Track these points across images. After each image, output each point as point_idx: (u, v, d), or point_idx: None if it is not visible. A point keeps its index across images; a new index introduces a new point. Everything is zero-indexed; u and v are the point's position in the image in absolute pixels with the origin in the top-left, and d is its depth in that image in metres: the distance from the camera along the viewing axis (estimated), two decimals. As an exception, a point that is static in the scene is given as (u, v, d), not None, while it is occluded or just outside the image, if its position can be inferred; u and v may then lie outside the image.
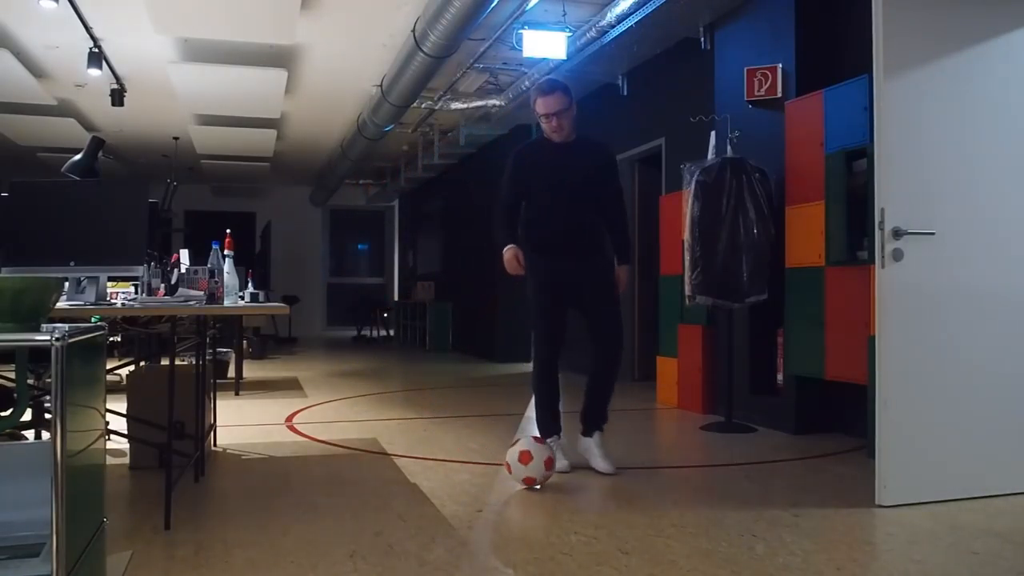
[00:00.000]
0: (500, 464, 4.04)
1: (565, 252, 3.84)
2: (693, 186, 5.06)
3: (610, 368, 3.93)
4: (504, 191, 3.95)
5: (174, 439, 3.10)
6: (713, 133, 5.36)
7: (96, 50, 6.46)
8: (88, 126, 9.51)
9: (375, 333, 14.53)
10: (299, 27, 6.21)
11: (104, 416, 2.43)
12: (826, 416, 4.88)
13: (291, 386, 7.40)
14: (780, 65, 5.15)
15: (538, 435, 3.78)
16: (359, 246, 17.05)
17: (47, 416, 2.79)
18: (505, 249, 3.85)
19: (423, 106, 8.28)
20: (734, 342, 5.27)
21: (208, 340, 4.41)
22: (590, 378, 3.96)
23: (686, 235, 5.12)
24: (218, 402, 4.74)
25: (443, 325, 12.07)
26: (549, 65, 6.81)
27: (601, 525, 2.98)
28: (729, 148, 5.23)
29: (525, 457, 3.49)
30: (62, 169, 3.84)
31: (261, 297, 4.06)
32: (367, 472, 3.91)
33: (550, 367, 3.90)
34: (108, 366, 2.70)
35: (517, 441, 3.60)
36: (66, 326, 1.76)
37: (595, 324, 3.91)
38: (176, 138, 10.34)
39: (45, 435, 3.49)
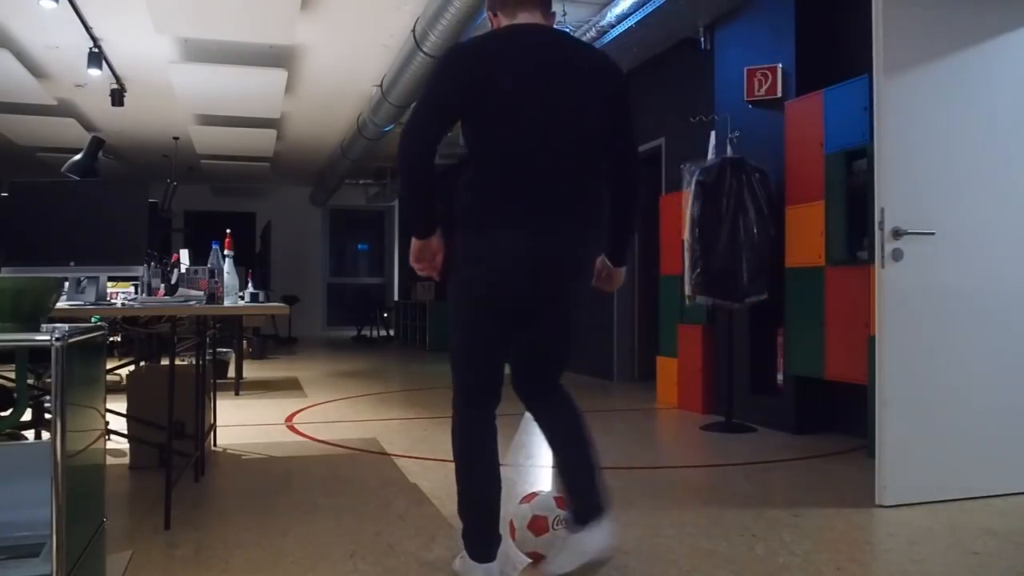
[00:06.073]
0: (499, 464, 4.05)
1: (548, 225, 2.22)
2: (693, 186, 5.06)
3: (578, 415, 2.43)
4: (427, 112, 2.20)
5: (174, 439, 3.10)
6: (713, 133, 5.36)
7: (96, 50, 6.46)
8: (88, 126, 9.51)
9: (375, 333, 14.52)
10: (299, 27, 6.22)
11: (104, 416, 2.43)
12: (826, 416, 4.88)
13: (291, 386, 7.40)
14: (780, 65, 5.15)
15: (557, 495, 2.48)
16: (359, 246, 17.05)
17: (47, 416, 2.79)
18: (423, 235, 2.26)
19: (423, 106, 8.28)
20: (734, 342, 5.26)
21: (208, 340, 4.41)
22: (563, 444, 2.42)
23: (686, 235, 5.12)
24: (218, 402, 4.74)
25: (443, 325, 12.06)
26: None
27: (601, 525, 2.97)
28: (729, 148, 5.24)
29: (539, 526, 2.46)
30: (62, 169, 3.84)
31: (261, 297, 4.06)
32: (367, 472, 3.91)
33: (488, 427, 2.34)
34: (108, 366, 2.70)
35: (532, 496, 2.54)
36: (66, 326, 1.76)
37: (541, 343, 2.40)
38: (176, 138, 10.35)
39: (45, 435, 3.49)
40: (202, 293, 3.27)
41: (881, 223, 3.18)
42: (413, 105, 2.20)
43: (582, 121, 2.25)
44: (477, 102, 2.19)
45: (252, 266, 8.47)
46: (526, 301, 2.31)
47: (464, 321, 2.32)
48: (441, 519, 3.05)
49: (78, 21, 6.04)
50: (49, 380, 1.75)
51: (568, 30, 6.06)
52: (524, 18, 2.33)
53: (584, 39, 6.04)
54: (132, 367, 4.54)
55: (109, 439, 3.84)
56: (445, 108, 2.21)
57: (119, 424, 3.94)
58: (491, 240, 2.21)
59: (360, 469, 3.99)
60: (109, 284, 3.43)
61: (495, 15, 2.39)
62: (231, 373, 7.40)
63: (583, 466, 2.36)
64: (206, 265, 3.27)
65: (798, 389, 4.88)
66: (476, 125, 2.22)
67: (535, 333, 2.37)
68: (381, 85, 7.50)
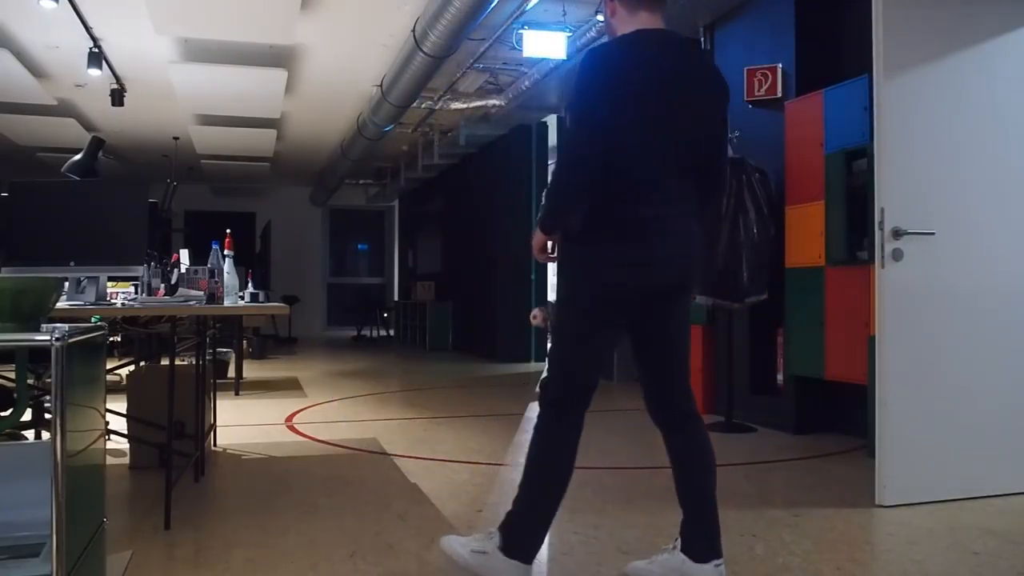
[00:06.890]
0: (500, 464, 4.04)
1: (667, 231, 2.32)
2: (693, 186, 5.05)
3: (707, 444, 2.55)
4: (586, 134, 2.23)
5: (174, 439, 3.10)
6: (713, 133, 5.35)
7: (96, 50, 6.46)
8: (88, 126, 9.51)
9: (375, 333, 14.53)
10: (299, 27, 6.21)
11: (104, 416, 2.43)
12: (826, 416, 4.88)
13: (291, 386, 7.39)
14: (780, 65, 5.15)
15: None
16: (359, 246, 17.05)
17: (47, 416, 2.79)
18: (552, 233, 2.38)
19: (423, 106, 8.28)
20: (734, 342, 5.26)
21: (208, 340, 4.41)
22: (687, 472, 2.48)
23: (686, 235, 5.11)
24: (218, 402, 4.74)
25: (443, 325, 12.07)
26: (549, 65, 6.80)
27: (601, 525, 2.98)
28: (729, 148, 5.23)
29: None
30: (62, 169, 3.84)
31: (261, 297, 4.06)
32: (367, 472, 3.91)
33: (576, 429, 2.40)
34: (108, 366, 2.70)
35: None
36: (66, 326, 1.76)
37: (663, 368, 2.67)
38: (176, 138, 10.34)
39: (45, 435, 3.49)
40: (202, 293, 3.27)
41: (881, 223, 3.18)
42: (568, 123, 2.31)
43: (699, 136, 2.35)
44: (612, 112, 2.22)
45: (252, 266, 8.46)
46: (647, 301, 2.41)
47: (580, 318, 2.38)
48: (441, 519, 3.05)
49: (78, 21, 6.03)
50: (49, 380, 1.75)
51: (568, 30, 6.07)
52: (645, 18, 2.32)
53: (584, 39, 6.04)
54: (132, 367, 4.54)
55: (109, 439, 3.83)
56: (599, 123, 2.21)
57: (119, 424, 3.94)
58: (613, 246, 2.29)
59: (360, 469, 3.99)
60: (109, 284, 3.43)
61: (612, 0, 2.38)
62: (231, 373, 7.39)
63: (708, 495, 2.40)
64: (206, 265, 3.27)
65: (798, 389, 4.88)
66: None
67: (656, 336, 2.57)
68: (381, 85, 7.49)
